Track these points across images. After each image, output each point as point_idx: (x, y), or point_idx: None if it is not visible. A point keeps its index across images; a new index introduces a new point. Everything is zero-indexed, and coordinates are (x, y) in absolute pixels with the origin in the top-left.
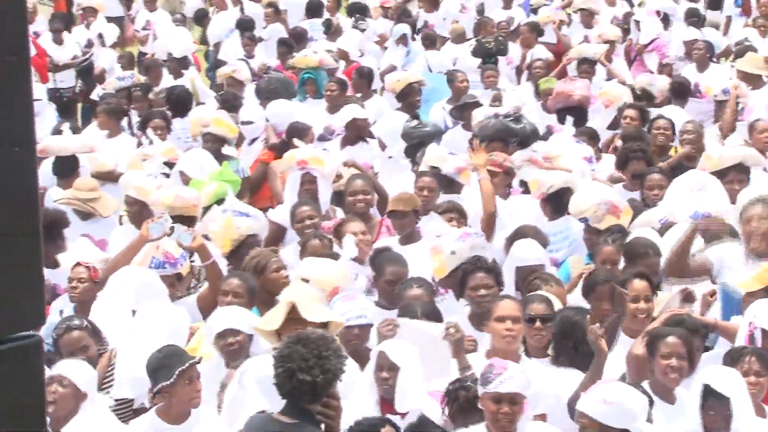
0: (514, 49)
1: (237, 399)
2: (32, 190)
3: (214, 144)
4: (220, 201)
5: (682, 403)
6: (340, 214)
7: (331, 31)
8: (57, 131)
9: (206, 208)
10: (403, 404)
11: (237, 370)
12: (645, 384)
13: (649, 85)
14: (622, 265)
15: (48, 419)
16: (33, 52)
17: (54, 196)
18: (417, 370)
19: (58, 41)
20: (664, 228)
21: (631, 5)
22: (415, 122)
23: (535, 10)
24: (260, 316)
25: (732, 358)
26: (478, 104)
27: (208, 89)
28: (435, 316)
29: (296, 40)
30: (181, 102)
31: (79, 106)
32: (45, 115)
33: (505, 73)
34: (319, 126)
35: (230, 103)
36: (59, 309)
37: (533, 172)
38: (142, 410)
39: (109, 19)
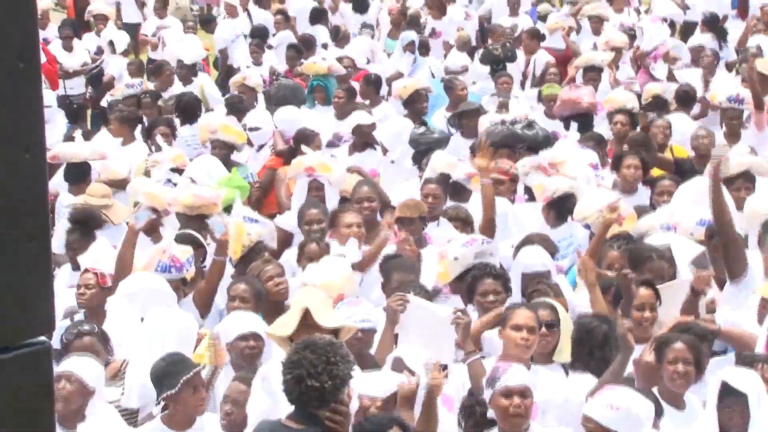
0: (518, 55)
1: (262, 403)
2: (42, 195)
3: (223, 150)
4: (228, 208)
5: (691, 409)
6: None
7: (339, 38)
8: (69, 138)
9: None
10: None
11: (256, 376)
12: (654, 390)
13: (663, 92)
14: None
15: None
16: (43, 58)
17: (65, 201)
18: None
19: (68, 48)
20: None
21: (638, 12)
22: (422, 129)
23: (542, 18)
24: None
25: (744, 364)
26: (477, 112)
27: (217, 96)
28: None
29: (305, 46)
30: (189, 109)
31: (89, 112)
32: (55, 122)
33: (517, 80)
34: (327, 133)
35: (235, 107)
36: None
37: (538, 177)
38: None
39: (126, 26)
